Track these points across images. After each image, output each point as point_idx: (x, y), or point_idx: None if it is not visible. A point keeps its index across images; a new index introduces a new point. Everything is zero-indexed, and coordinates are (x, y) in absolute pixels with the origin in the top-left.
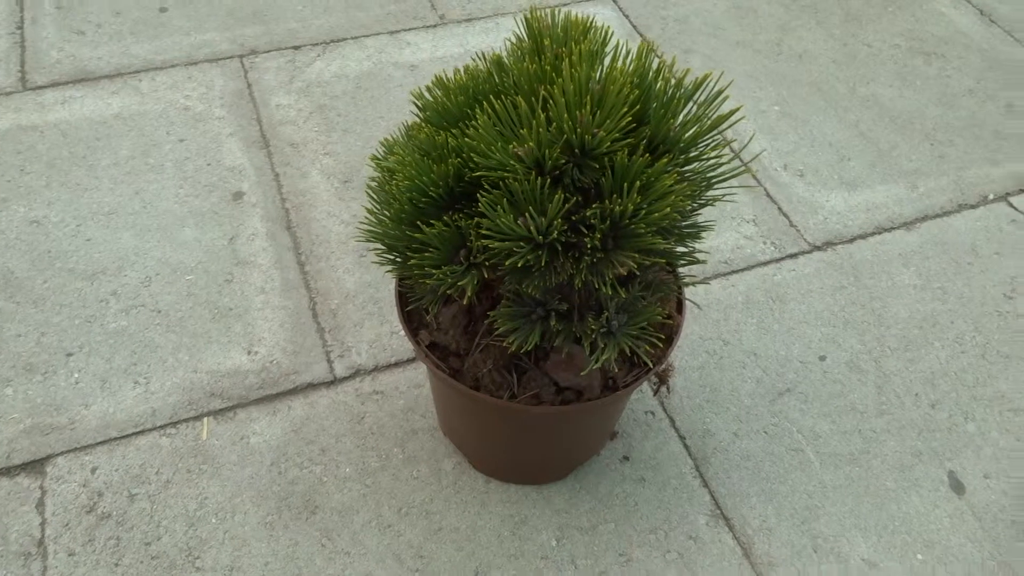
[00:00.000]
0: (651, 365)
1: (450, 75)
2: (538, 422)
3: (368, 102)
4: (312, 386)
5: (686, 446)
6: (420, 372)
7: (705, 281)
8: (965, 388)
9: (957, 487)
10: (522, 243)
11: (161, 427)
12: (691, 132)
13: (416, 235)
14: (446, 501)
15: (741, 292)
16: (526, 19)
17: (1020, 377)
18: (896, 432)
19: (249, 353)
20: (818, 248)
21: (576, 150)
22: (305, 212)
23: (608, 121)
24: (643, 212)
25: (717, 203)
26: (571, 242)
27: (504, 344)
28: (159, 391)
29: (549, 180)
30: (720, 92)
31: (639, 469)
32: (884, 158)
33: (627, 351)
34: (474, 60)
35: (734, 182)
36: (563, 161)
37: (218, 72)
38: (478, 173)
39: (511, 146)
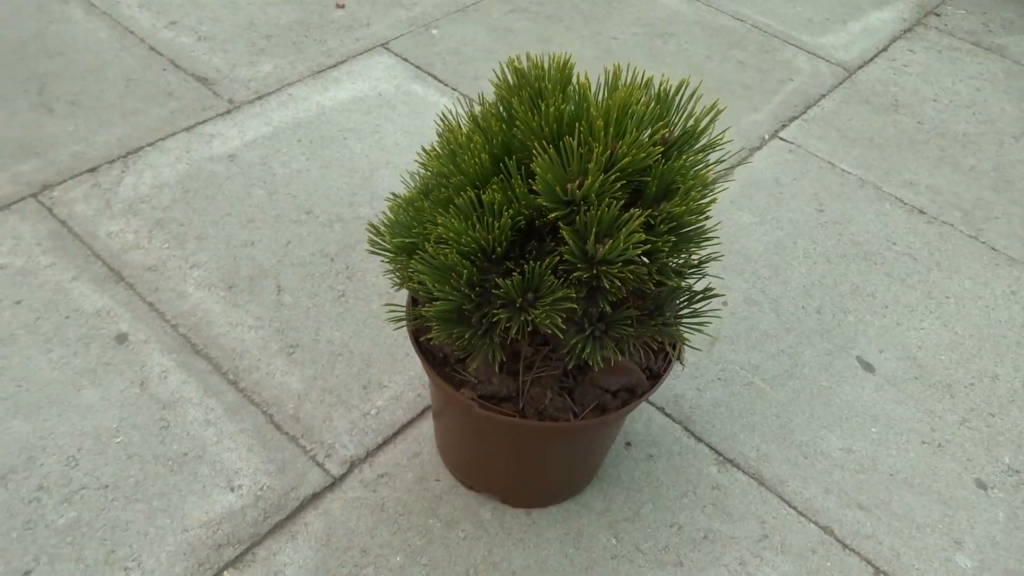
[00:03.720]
0: (675, 351)
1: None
2: (608, 429)
3: (205, 202)
4: (316, 495)
5: (667, 415)
6: (412, 442)
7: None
8: (831, 289)
9: (867, 367)
10: (624, 267)
11: None
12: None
13: (498, 279)
14: (503, 547)
15: None
16: (513, 68)
17: (860, 268)
18: (806, 341)
19: (233, 490)
20: None
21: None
22: (205, 331)
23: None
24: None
25: None
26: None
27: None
28: (157, 568)
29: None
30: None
31: (644, 448)
32: None
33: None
34: (440, 121)
35: None
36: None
37: (18, 219)
38: (552, 215)
39: (575, 180)
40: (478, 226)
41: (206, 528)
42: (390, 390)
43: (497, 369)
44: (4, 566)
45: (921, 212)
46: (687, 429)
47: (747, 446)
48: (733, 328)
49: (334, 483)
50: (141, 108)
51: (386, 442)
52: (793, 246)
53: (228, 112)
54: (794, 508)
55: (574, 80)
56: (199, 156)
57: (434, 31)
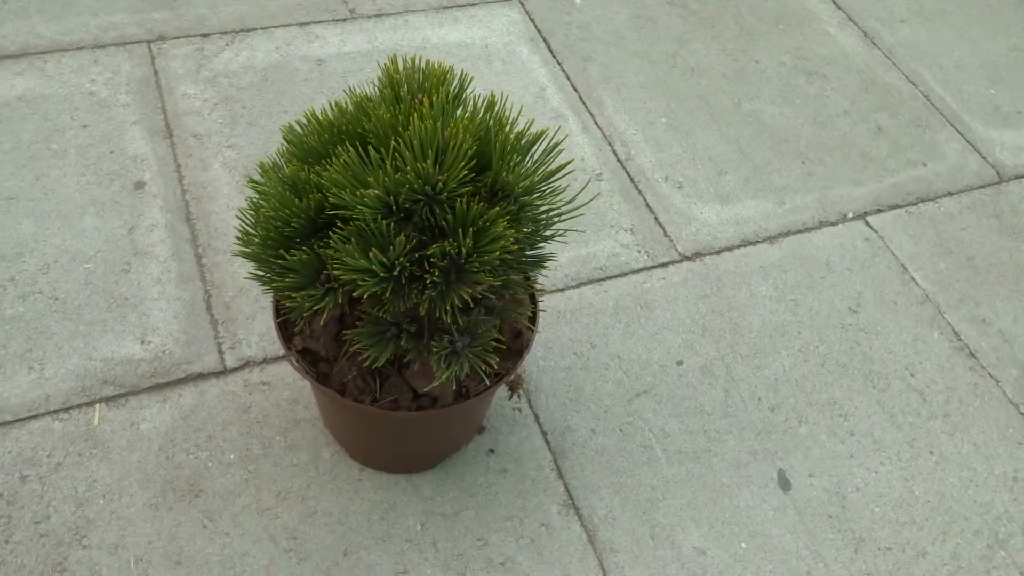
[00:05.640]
0: (488, 382)
1: (322, 108)
2: (397, 424)
3: (274, 95)
4: (202, 376)
5: (547, 441)
6: None
7: (558, 290)
8: (803, 394)
9: (784, 484)
10: (366, 276)
11: (54, 412)
12: (525, 182)
13: (280, 260)
14: (322, 487)
15: (612, 298)
16: (385, 67)
17: (852, 385)
18: (737, 433)
19: (143, 342)
20: (687, 258)
21: (424, 195)
22: (205, 205)
23: (448, 172)
24: (476, 254)
25: (598, 212)
26: (416, 275)
27: (361, 358)
28: (53, 377)
29: (394, 221)
30: (556, 145)
31: (502, 461)
32: (758, 174)
33: (477, 369)
34: (346, 93)
35: (615, 195)
36: (415, 201)
37: (125, 57)
38: (332, 212)
39: (359, 191)
40: (386, 172)
41: (104, 363)
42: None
43: (333, 332)
44: None
45: (971, 355)
46: (555, 462)
47: (602, 503)
48: (671, 389)
49: (222, 373)
50: None
51: (285, 358)
52: (795, 336)
53: (344, 20)
54: None
55: (468, 93)
56: (294, 52)
57: (577, 0)
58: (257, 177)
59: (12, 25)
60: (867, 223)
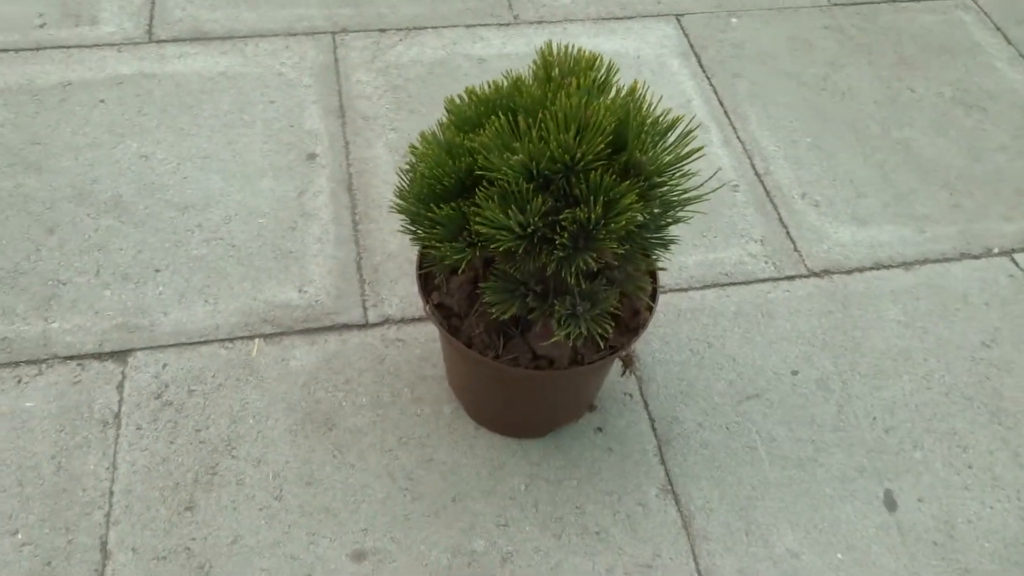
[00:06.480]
0: (605, 349)
1: (486, 87)
2: (515, 381)
3: (436, 87)
4: (347, 327)
5: (654, 428)
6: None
7: (681, 289)
8: (922, 420)
9: (890, 504)
10: (504, 232)
11: (221, 340)
12: (656, 163)
13: (429, 214)
14: (440, 438)
15: (734, 303)
16: (541, 51)
17: (977, 419)
18: (846, 447)
19: (300, 291)
20: (816, 275)
21: (563, 164)
22: (366, 178)
23: (587, 145)
24: (603, 222)
25: (730, 220)
26: (548, 237)
27: (490, 312)
28: (224, 311)
29: (534, 185)
30: (690, 131)
31: (609, 440)
32: (900, 200)
33: (593, 335)
34: (503, 75)
35: (749, 207)
36: (555, 171)
37: (312, 45)
38: (480, 172)
39: (506, 155)
40: (531, 139)
41: (266, 305)
42: None
43: (468, 291)
44: (149, 260)
45: None
46: (659, 449)
47: (700, 493)
48: (782, 397)
49: (364, 326)
50: None
51: (420, 319)
52: (920, 362)
53: (507, 25)
54: (696, 564)
55: (615, 81)
56: (458, 50)
57: (734, 19)
58: (418, 145)
59: (223, 12)
60: (1013, 260)
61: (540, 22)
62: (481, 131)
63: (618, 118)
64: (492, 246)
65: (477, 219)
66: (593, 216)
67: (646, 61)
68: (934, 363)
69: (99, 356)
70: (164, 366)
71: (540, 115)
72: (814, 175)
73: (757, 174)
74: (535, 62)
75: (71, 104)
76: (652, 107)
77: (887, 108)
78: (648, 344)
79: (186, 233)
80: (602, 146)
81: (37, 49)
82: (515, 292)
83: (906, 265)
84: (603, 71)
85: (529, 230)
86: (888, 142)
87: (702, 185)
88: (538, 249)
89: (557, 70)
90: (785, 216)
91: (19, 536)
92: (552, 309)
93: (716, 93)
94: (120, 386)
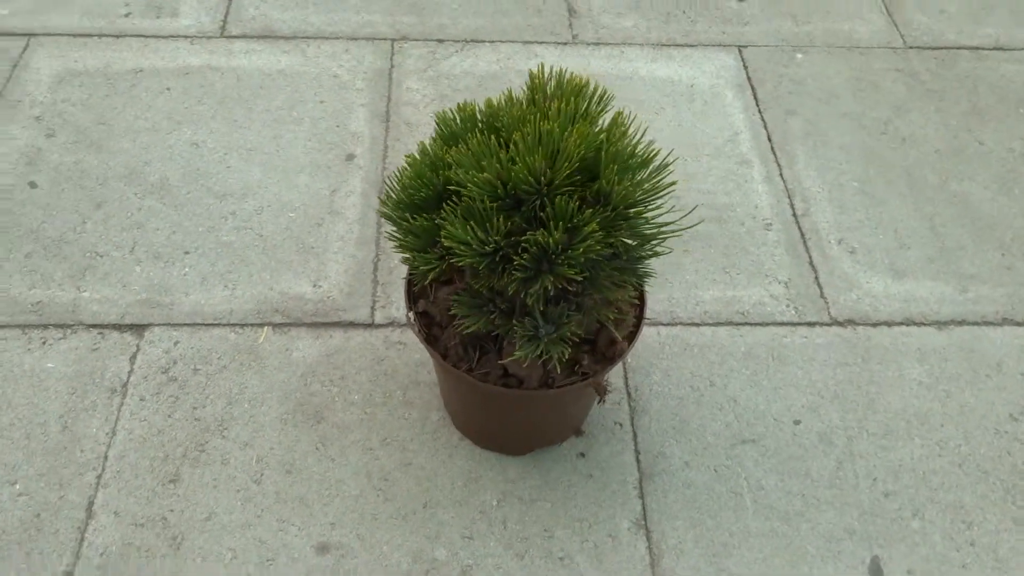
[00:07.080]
0: (577, 375)
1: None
2: (488, 396)
3: (481, 99)
4: (353, 325)
5: (638, 460)
6: None
7: (693, 324)
8: (926, 489)
9: (876, 572)
10: (463, 247)
11: (232, 325)
12: (624, 195)
13: (405, 223)
14: (422, 444)
15: (746, 343)
16: (531, 73)
17: (989, 495)
18: (838, 506)
19: (314, 286)
20: (839, 323)
21: (531, 187)
22: None
23: (555, 170)
24: (565, 248)
25: (756, 259)
26: (509, 257)
27: (458, 326)
28: (240, 297)
29: (499, 205)
30: (666, 166)
31: (590, 467)
32: (945, 255)
33: (555, 358)
34: (502, 94)
35: (779, 247)
36: (528, 193)
37: (370, 50)
38: (452, 187)
39: (472, 172)
40: (499, 159)
41: (280, 296)
42: None
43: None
44: (181, 241)
45: None
46: (640, 482)
47: (675, 532)
48: (780, 446)
49: (369, 325)
50: (510, 11)
51: None
52: (936, 427)
53: (565, 44)
54: None
55: (606, 108)
56: (512, 65)
57: (799, 55)
58: (416, 155)
59: (291, 13)
60: None
61: (598, 43)
62: (462, 146)
63: (591, 147)
64: (454, 260)
65: (443, 232)
66: (552, 241)
67: (699, 90)
68: (952, 430)
69: (119, 327)
70: (176, 343)
71: (514, 136)
72: (855, 221)
73: (795, 214)
74: (526, 83)
75: (139, 90)
76: (634, 139)
77: (949, 159)
78: (648, 376)
79: (220, 220)
80: (568, 171)
81: (119, 36)
82: (483, 308)
83: (939, 324)
84: (595, 97)
85: (489, 248)
86: (944, 194)
87: (680, 219)
88: (500, 268)
89: (547, 92)
90: (817, 260)
91: (17, 486)
92: (514, 329)
93: (766, 128)
94: (133, 358)
